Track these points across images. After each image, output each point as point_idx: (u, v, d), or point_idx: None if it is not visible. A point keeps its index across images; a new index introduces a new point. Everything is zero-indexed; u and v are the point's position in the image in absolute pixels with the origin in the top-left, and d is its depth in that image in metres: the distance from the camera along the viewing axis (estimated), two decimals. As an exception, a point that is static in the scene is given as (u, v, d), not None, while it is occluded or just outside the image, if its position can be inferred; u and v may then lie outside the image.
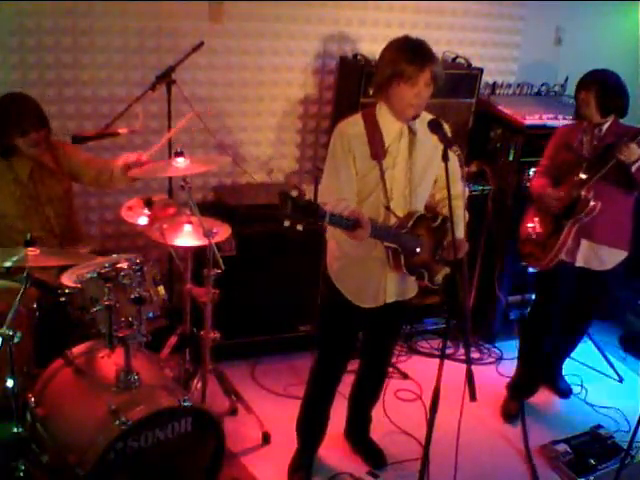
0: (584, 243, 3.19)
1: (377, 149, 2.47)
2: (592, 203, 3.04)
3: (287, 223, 2.05)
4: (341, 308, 2.70)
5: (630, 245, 3.24)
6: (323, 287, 2.76)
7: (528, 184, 3.53)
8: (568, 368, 3.81)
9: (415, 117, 2.48)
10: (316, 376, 2.93)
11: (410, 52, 2.38)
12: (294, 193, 2.05)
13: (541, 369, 3.63)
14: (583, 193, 3.06)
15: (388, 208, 2.51)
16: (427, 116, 2.49)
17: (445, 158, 2.21)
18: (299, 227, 2.06)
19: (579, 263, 3.22)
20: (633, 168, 2.96)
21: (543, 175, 3.32)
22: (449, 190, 2.20)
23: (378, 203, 2.52)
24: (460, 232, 2.58)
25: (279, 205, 2.05)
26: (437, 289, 2.74)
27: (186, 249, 3.11)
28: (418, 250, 2.52)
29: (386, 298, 2.68)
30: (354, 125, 2.51)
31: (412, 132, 2.51)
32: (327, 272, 2.74)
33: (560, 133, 3.31)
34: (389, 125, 2.49)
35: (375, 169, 2.48)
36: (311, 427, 3.03)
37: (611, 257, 3.23)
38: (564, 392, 3.73)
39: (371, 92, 2.51)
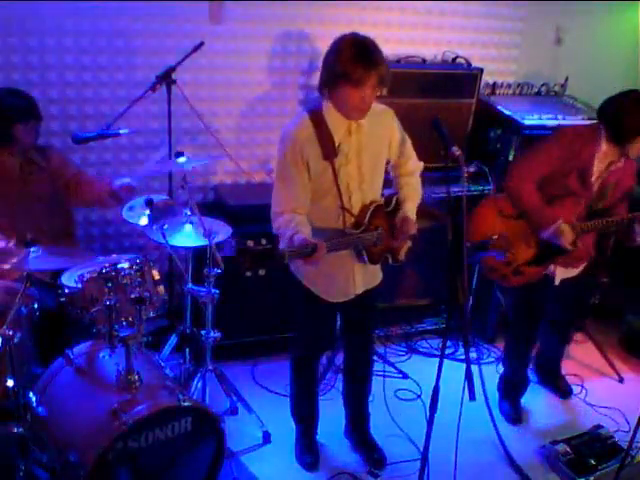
0: (560, 269, 3.15)
1: (328, 149, 2.44)
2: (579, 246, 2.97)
3: (249, 273, 2.15)
4: (312, 305, 2.72)
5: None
6: (290, 287, 2.76)
7: (510, 183, 3.02)
8: (568, 368, 3.80)
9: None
10: (296, 369, 2.99)
11: (358, 54, 2.28)
12: (249, 243, 2.14)
13: (527, 370, 3.57)
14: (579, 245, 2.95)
15: (343, 208, 2.52)
16: (375, 107, 2.48)
17: (445, 157, 2.22)
18: (261, 272, 2.16)
19: (557, 282, 3.17)
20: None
21: (535, 183, 2.97)
22: (448, 192, 2.21)
23: (335, 203, 2.52)
24: (409, 211, 2.63)
25: (238, 259, 2.13)
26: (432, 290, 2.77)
27: (186, 249, 3.11)
28: (379, 242, 2.58)
29: (355, 290, 2.71)
30: (303, 128, 2.45)
31: (360, 126, 2.47)
32: (292, 272, 2.73)
33: (576, 144, 2.91)
34: (337, 123, 2.44)
35: (328, 169, 2.46)
36: (305, 409, 3.08)
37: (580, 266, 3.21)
38: (564, 392, 3.72)
39: (316, 90, 2.49)
